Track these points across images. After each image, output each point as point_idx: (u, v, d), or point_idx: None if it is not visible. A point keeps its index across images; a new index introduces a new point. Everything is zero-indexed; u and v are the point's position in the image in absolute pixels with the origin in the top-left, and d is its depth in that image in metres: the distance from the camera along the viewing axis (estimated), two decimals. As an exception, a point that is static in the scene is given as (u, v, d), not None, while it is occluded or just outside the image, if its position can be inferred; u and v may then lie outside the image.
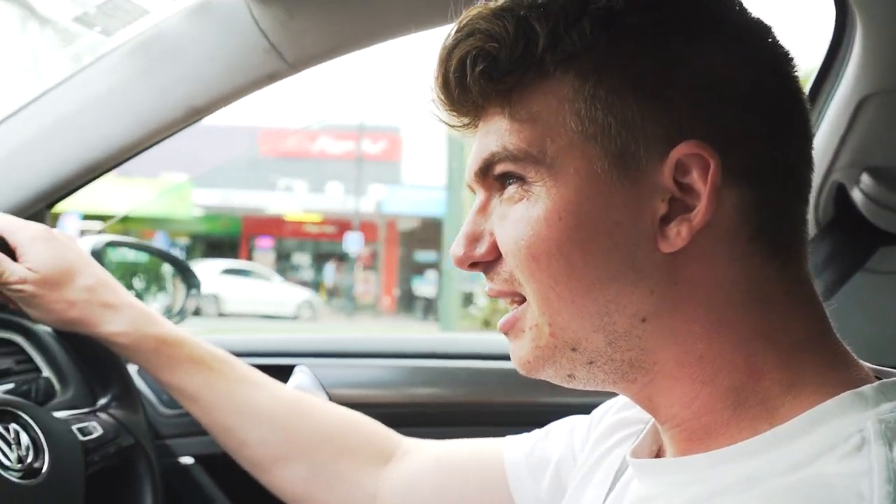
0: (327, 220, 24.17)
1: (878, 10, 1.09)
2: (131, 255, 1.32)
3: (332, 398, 1.33)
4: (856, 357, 0.63)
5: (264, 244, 24.42)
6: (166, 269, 1.33)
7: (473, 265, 0.67)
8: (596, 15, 0.60)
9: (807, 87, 1.24)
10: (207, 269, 19.64)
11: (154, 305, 1.31)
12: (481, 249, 0.66)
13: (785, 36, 0.64)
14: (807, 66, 1.27)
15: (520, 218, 0.62)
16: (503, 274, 0.66)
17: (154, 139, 1.16)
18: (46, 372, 1.08)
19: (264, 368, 1.12)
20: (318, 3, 1.10)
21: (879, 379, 0.60)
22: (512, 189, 0.63)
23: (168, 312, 1.29)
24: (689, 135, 0.59)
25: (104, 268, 1.16)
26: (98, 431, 1.01)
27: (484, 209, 0.66)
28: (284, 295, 20.17)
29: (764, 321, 0.61)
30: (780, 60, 0.64)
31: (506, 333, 0.67)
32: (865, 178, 1.21)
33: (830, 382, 0.58)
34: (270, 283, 20.79)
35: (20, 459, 0.85)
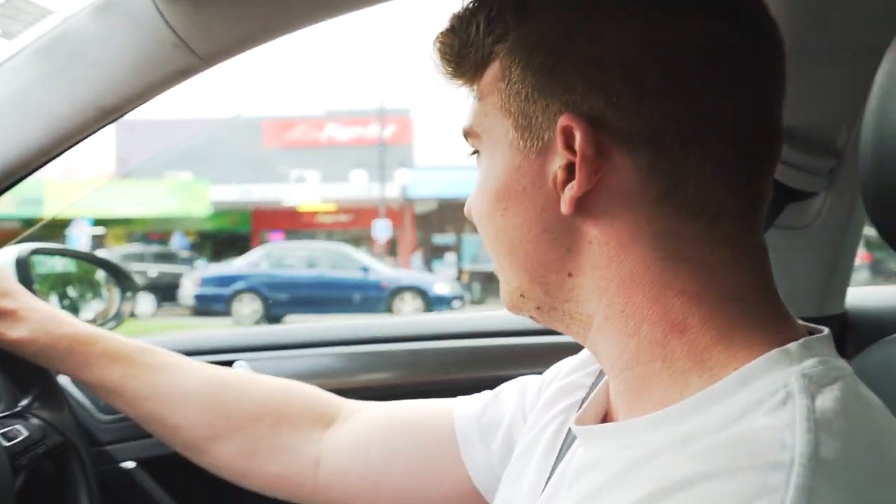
0: (341, 209, 24.18)
1: None
2: (60, 263, 1.31)
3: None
4: (792, 314, 0.64)
5: (276, 238, 24.49)
6: (99, 274, 1.31)
7: None
8: None
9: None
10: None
11: (89, 311, 1.30)
12: None
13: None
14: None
15: (475, 186, 0.71)
16: None
17: (67, 142, 1.13)
18: None
19: None
20: (225, -6, 1.07)
21: (812, 335, 0.63)
22: (475, 159, 0.72)
23: (104, 318, 1.28)
24: (577, 106, 0.62)
25: (32, 277, 1.15)
26: (23, 434, 0.99)
27: None
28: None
29: (682, 278, 0.62)
30: (706, 14, 0.61)
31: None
32: None
33: (760, 340, 0.60)
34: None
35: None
